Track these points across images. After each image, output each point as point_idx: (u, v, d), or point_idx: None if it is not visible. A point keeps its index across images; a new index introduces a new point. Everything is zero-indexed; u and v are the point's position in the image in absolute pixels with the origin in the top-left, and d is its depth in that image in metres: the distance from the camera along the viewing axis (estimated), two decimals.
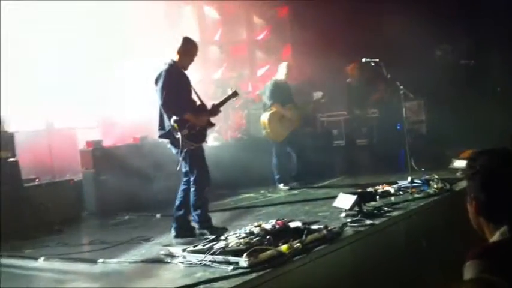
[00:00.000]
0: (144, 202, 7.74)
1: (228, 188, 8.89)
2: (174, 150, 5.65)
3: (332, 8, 11.60)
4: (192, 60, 5.79)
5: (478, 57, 10.66)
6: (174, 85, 5.54)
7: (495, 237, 1.93)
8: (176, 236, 5.65)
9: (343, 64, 9.75)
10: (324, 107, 11.20)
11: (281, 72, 8.80)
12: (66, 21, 8.57)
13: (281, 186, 8.54)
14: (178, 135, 5.36)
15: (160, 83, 5.52)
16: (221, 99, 6.11)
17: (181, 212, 5.73)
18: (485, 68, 10.47)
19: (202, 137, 5.74)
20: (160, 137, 5.75)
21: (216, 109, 5.96)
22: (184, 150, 5.46)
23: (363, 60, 7.82)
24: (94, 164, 7.84)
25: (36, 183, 7.19)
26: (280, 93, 8.61)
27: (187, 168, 5.68)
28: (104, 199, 7.78)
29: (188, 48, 5.74)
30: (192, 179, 5.64)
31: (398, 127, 11.06)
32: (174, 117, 5.36)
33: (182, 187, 5.79)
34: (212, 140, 10.21)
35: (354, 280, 4.65)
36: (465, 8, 10.51)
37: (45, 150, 8.70)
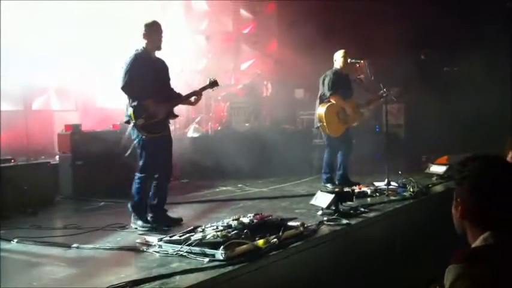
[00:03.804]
0: (120, 189, 7.65)
1: (205, 180, 8.89)
2: (133, 137, 5.67)
3: (318, 9, 11.65)
4: (160, 39, 5.71)
5: (461, 64, 10.79)
6: (139, 71, 5.50)
7: (478, 242, 1.97)
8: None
9: (326, 63, 9.77)
10: (305, 104, 11.25)
11: (339, 61, 7.95)
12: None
13: (329, 186, 7.84)
14: (131, 123, 5.47)
15: (124, 67, 5.52)
16: (197, 88, 6.07)
17: (155, 201, 5.74)
18: (468, 76, 10.60)
19: (160, 128, 5.67)
20: (126, 122, 5.75)
21: (188, 98, 5.94)
22: (138, 138, 5.54)
23: (348, 60, 7.87)
24: (72, 148, 7.74)
25: (12, 163, 7.07)
26: (340, 84, 7.86)
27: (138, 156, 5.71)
28: (79, 184, 7.68)
29: (152, 30, 5.68)
30: (138, 166, 5.68)
31: (377, 129, 11.20)
32: (133, 104, 5.43)
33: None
34: (192, 131, 10.19)
35: (328, 277, 4.69)
36: (450, 15, 10.62)
37: (21, 131, 8.60)
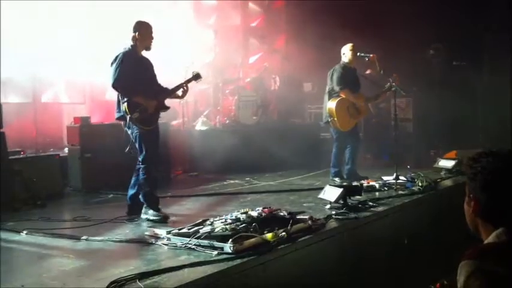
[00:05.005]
0: (129, 182, 7.68)
1: (214, 174, 8.90)
2: (128, 132, 5.78)
3: (327, 5, 11.60)
4: (151, 40, 5.88)
5: (471, 59, 10.73)
6: (128, 68, 5.63)
7: (490, 239, 1.95)
8: (128, 213, 5.83)
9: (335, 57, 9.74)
10: (314, 98, 11.23)
11: (347, 55, 7.91)
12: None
13: (337, 180, 7.85)
14: (128, 118, 5.58)
15: (114, 65, 5.64)
16: (180, 82, 6.16)
17: (134, 191, 5.89)
18: (477, 71, 10.54)
19: (153, 120, 5.83)
20: (117, 119, 5.86)
21: (175, 91, 6.07)
22: (135, 132, 5.66)
23: (357, 54, 7.82)
24: (81, 141, 7.78)
25: (21, 156, 7.11)
26: (349, 78, 7.86)
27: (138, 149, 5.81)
28: (88, 176, 7.71)
29: (143, 31, 5.82)
30: (140, 158, 5.76)
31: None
32: (125, 99, 5.57)
33: (136, 167, 5.91)
34: (200, 124, 10.20)
35: (336, 271, 4.70)
36: (460, 11, 10.56)
37: (30, 123, 8.64)
